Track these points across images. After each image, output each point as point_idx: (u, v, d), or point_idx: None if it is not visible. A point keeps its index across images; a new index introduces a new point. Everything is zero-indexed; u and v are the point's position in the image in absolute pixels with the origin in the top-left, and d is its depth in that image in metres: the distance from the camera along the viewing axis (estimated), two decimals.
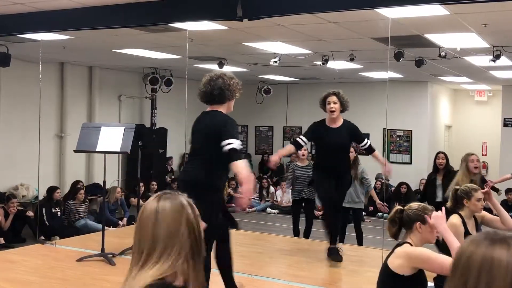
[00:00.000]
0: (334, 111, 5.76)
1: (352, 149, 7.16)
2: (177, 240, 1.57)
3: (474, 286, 1.32)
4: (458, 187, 4.60)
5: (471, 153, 6.20)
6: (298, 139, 6.00)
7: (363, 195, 7.55)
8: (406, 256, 3.14)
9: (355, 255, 6.61)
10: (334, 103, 5.78)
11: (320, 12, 5.45)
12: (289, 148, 6.13)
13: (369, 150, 5.98)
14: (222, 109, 4.10)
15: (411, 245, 3.21)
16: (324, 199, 6.08)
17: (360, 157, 7.67)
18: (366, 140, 5.98)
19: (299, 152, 7.26)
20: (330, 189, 5.79)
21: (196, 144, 4.09)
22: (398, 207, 3.33)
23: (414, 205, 3.32)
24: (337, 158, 5.79)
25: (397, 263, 3.15)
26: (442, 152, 7.19)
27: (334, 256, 5.86)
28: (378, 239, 6.73)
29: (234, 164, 3.78)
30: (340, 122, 5.86)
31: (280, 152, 6.09)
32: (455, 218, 4.46)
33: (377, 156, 6.03)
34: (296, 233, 7.70)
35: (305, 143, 6.02)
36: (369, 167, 7.89)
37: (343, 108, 5.85)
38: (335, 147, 5.78)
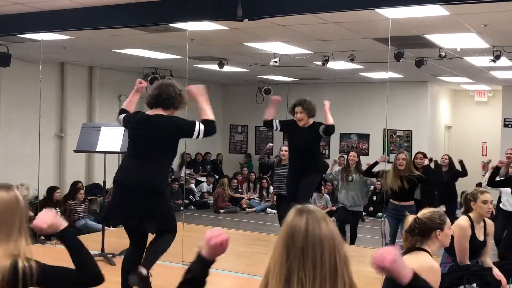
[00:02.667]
0: (301, 120, 6.07)
1: (355, 153, 7.36)
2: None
3: None
4: (468, 192, 4.61)
5: (399, 152, 6.76)
6: (274, 120, 6.22)
7: (363, 198, 7.66)
8: (419, 266, 3.07)
9: (355, 255, 6.61)
10: (300, 113, 6.04)
11: (320, 12, 5.45)
12: (269, 112, 6.29)
13: (325, 130, 6.00)
14: (164, 113, 4.17)
15: (430, 254, 3.16)
16: (288, 196, 6.49)
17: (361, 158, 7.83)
18: (320, 128, 6.04)
19: (281, 152, 7.64)
20: (293, 187, 6.17)
21: (146, 147, 4.09)
22: (412, 216, 3.28)
23: (427, 212, 3.26)
24: (302, 156, 6.07)
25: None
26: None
27: None
28: (378, 239, 6.74)
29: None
30: (309, 124, 6.12)
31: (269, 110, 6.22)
32: (463, 220, 4.45)
33: (326, 115, 6.04)
34: None
35: (277, 127, 6.27)
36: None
37: (310, 114, 6.10)
38: (299, 145, 6.11)
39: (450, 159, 8.40)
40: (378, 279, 4.81)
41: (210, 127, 4.06)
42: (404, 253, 3.22)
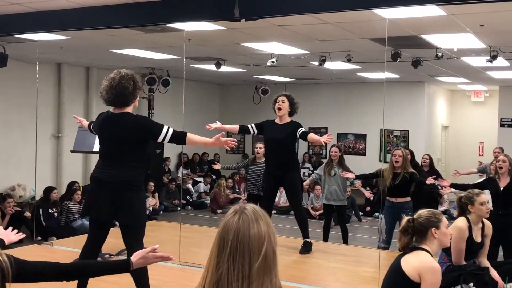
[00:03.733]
0: (280, 109, 6.14)
1: (337, 148, 7.40)
2: None
3: None
4: (461, 195, 4.62)
5: (396, 148, 6.79)
6: (248, 125, 6.35)
7: (345, 193, 7.67)
8: (421, 266, 3.11)
9: (353, 255, 6.62)
10: (283, 102, 6.17)
11: (318, 12, 5.45)
12: (234, 127, 6.42)
13: (304, 135, 6.08)
14: (130, 109, 4.13)
15: (431, 254, 3.20)
16: (263, 195, 6.62)
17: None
18: (300, 129, 6.11)
19: (255, 149, 7.60)
20: (268, 188, 6.33)
21: (115, 147, 4.09)
22: (407, 217, 3.33)
23: (423, 212, 3.31)
24: (277, 153, 6.12)
25: (410, 267, 3.14)
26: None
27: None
28: (376, 239, 6.75)
29: (187, 139, 4.08)
30: (286, 121, 6.20)
31: (224, 126, 6.05)
32: (461, 221, 4.46)
33: (313, 137, 6.08)
34: None
35: (254, 131, 6.37)
36: (367, 168, 7.89)
37: (292, 109, 6.20)
38: (275, 142, 6.13)
39: (430, 159, 8.44)
40: (375, 279, 4.82)
41: (179, 137, 4.08)
42: (405, 253, 3.25)
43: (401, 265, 3.16)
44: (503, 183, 5.88)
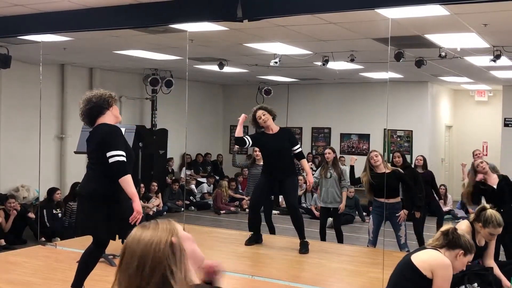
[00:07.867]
0: (266, 121, 6.25)
1: (330, 150, 7.42)
2: None
3: None
4: (488, 205, 4.47)
5: (371, 151, 6.85)
6: (244, 137, 6.37)
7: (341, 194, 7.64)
8: (434, 263, 3.19)
9: (356, 255, 6.61)
10: (264, 115, 6.25)
11: (320, 12, 5.45)
12: (240, 131, 6.37)
13: (299, 156, 6.40)
14: (106, 120, 4.22)
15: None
16: (251, 201, 6.71)
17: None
18: (298, 145, 6.41)
19: (255, 153, 7.89)
20: (261, 195, 6.49)
21: (88, 156, 4.32)
22: (451, 225, 3.44)
23: (467, 236, 3.43)
24: (279, 161, 6.24)
25: (422, 262, 3.19)
26: (398, 151, 8.12)
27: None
28: (379, 239, 6.73)
29: (120, 180, 3.96)
30: (276, 129, 6.32)
31: (240, 125, 6.32)
32: (464, 225, 4.40)
33: (303, 164, 6.45)
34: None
35: (249, 142, 6.38)
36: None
37: (272, 114, 6.34)
38: (276, 150, 6.23)
39: (424, 160, 8.31)
40: (379, 279, 4.81)
41: (121, 169, 3.96)
42: (414, 252, 3.32)
43: (413, 261, 3.21)
44: (492, 181, 6.04)
